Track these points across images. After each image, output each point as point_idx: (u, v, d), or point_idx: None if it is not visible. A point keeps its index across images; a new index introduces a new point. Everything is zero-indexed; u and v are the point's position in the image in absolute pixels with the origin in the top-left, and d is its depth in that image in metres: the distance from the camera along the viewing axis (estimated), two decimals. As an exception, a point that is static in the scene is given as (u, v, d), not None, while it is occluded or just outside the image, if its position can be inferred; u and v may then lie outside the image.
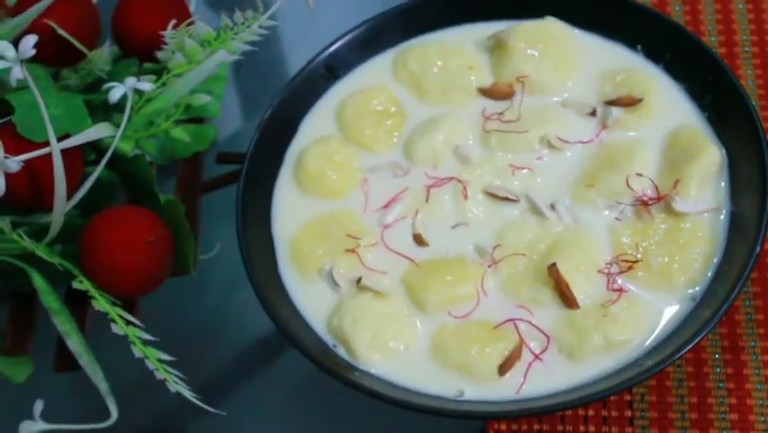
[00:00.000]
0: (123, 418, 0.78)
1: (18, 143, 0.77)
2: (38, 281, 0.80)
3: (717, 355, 0.76)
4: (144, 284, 0.78)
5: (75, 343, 0.79)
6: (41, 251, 0.78)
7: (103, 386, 0.78)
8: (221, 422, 0.80)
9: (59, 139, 0.77)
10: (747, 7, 0.91)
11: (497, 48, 0.86)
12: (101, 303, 0.76)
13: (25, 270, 0.80)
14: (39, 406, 0.75)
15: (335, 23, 0.89)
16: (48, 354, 0.83)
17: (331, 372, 0.71)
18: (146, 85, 0.81)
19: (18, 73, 0.72)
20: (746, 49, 0.89)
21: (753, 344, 0.76)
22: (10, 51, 0.71)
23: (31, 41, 0.71)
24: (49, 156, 0.75)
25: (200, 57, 0.85)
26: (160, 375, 0.73)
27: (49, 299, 0.80)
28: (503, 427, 0.76)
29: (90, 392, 0.79)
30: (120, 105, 0.82)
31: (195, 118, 0.91)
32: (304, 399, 0.82)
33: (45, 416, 0.75)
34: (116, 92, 0.80)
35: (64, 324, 0.79)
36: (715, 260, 0.74)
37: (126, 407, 0.78)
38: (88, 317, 0.82)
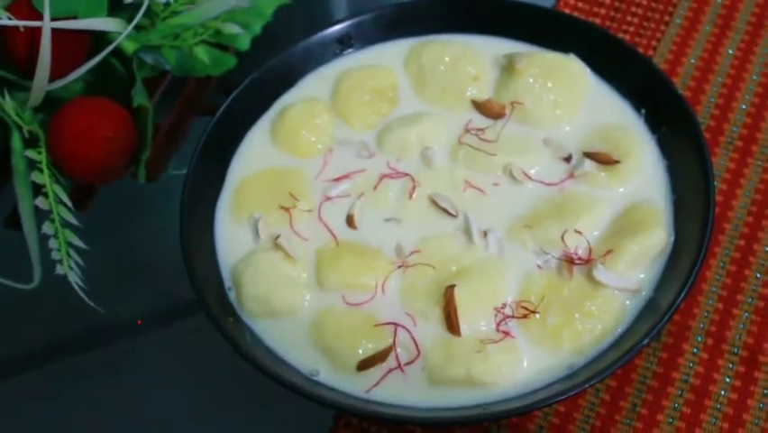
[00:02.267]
0: (46, 304, 0.84)
1: (29, 13, 0.82)
2: (16, 142, 0.86)
3: (583, 432, 0.74)
4: (94, 173, 0.83)
5: (24, 207, 0.84)
6: (18, 113, 0.83)
7: (34, 252, 0.84)
8: (114, 335, 0.84)
9: (66, 19, 0.82)
10: (784, 114, 0.87)
11: (507, 68, 0.85)
12: (43, 175, 0.81)
13: (10, 128, 0.86)
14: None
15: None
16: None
17: (205, 305, 0.73)
18: (163, -4, 0.85)
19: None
20: (763, 151, 0.85)
21: (623, 434, 0.74)
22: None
23: None
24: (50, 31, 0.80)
25: (231, -13, 0.89)
26: (56, 255, 0.77)
27: (18, 160, 0.85)
28: (354, 421, 0.77)
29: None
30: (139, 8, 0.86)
31: (222, 45, 0.95)
32: (197, 340, 0.84)
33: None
34: (132, -7, 0.84)
35: (21, 187, 0.85)
36: (609, 339, 0.72)
37: (55, 294, 0.84)
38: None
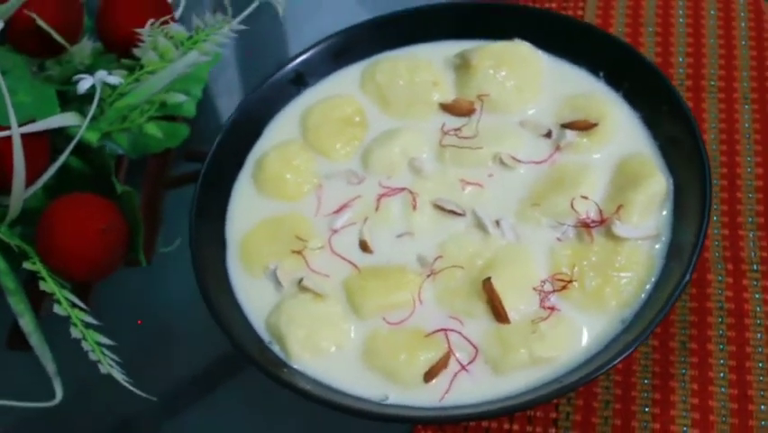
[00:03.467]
0: (76, 408, 0.81)
1: (-14, 127, 0.80)
2: (-2, 261, 0.83)
3: (646, 381, 0.76)
4: (95, 270, 0.81)
5: (26, 322, 0.81)
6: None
7: (50, 366, 0.81)
8: (166, 415, 0.82)
9: (25, 124, 0.80)
10: (719, 42, 0.92)
11: (462, 66, 0.88)
12: (49, 284, 0.79)
13: (-14, 249, 0.83)
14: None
15: (331, 24, 0.92)
16: (4, 332, 0.86)
17: (259, 366, 0.73)
18: (114, 78, 0.84)
19: (-20, 57, 0.75)
20: (712, 83, 0.90)
21: (683, 372, 0.76)
22: (-25, 37, 0.75)
23: (-3, 26, 0.75)
24: (12, 140, 0.78)
25: (173, 56, 0.88)
26: (93, 357, 0.75)
27: (6, 279, 0.82)
28: (429, 434, 0.78)
29: (42, 373, 0.81)
30: (92, 97, 0.85)
31: (170, 116, 0.94)
32: (247, 398, 0.83)
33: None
34: (84, 84, 0.83)
35: (18, 304, 0.82)
36: (648, 286, 0.75)
37: (79, 396, 0.81)
38: (45, 300, 0.85)
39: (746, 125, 0.87)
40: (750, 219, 0.83)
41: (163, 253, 0.89)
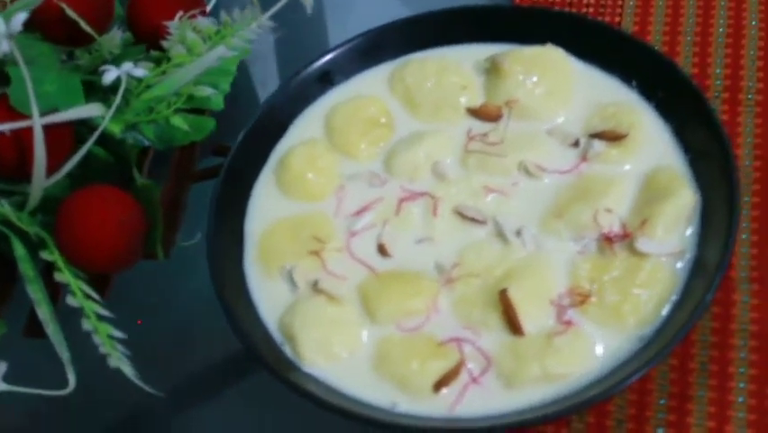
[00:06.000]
0: (88, 400, 0.81)
1: (10, 115, 0.80)
2: (18, 249, 0.83)
3: (662, 401, 0.75)
4: (112, 261, 0.80)
5: (43, 311, 0.81)
6: (18, 218, 0.81)
7: (65, 355, 0.80)
8: (172, 412, 0.82)
9: (48, 114, 0.80)
10: (759, 54, 0.90)
11: (492, 70, 0.86)
12: (64, 275, 0.78)
13: (8, 236, 0.83)
14: (2, 367, 0.78)
15: (357, 24, 0.91)
16: (23, 320, 0.86)
17: (269, 367, 0.72)
18: (139, 71, 0.84)
19: (5, 47, 0.75)
20: (750, 96, 0.87)
21: (701, 393, 0.74)
22: (1, 26, 0.75)
23: (21, 17, 0.74)
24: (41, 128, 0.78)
25: (201, 50, 0.87)
26: (103, 350, 0.75)
27: (26, 266, 0.82)
28: (438, 445, 0.76)
29: (57, 362, 0.81)
30: (119, 88, 0.85)
31: (197, 109, 0.93)
32: (256, 398, 0.83)
33: (9, 378, 0.78)
34: (109, 75, 0.83)
35: (36, 292, 0.81)
36: (669, 304, 0.73)
37: (88, 388, 0.81)
38: (62, 290, 0.85)
39: (783, 142, 0.85)
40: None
41: (183, 247, 0.89)
